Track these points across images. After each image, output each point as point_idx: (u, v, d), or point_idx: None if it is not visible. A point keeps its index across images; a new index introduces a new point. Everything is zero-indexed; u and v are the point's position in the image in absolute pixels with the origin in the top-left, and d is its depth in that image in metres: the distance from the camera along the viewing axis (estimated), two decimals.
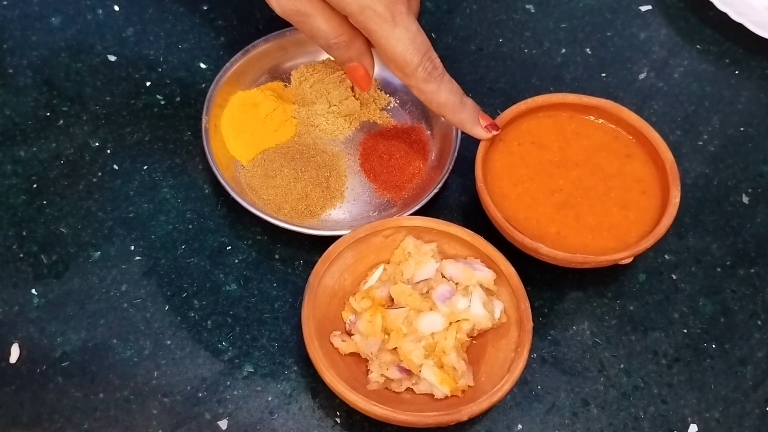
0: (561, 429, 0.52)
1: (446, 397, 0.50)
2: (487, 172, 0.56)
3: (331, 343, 0.51)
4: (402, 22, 0.51)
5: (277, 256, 0.57)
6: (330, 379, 0.48)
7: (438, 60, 0.53)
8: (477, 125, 0.56)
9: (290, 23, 0.54)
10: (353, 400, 0.47)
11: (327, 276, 0.52)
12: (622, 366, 0.55)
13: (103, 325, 0.54)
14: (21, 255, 0.56)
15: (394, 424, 0.48)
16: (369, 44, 0.55)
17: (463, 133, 0.59)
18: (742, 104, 0.67)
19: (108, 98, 0.63)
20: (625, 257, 0.52)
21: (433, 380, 0.49)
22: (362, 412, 0.48)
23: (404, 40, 0.51)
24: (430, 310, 0.51)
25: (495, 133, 0.56)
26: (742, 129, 0.66)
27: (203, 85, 0.64)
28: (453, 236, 0.54)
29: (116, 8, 0.68)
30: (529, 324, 0.50)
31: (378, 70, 0.65)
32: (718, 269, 0.59)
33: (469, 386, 0.50)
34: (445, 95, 0.54)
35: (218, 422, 0.51)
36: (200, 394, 0.52)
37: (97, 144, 0.61)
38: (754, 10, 0.70)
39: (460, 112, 0.55)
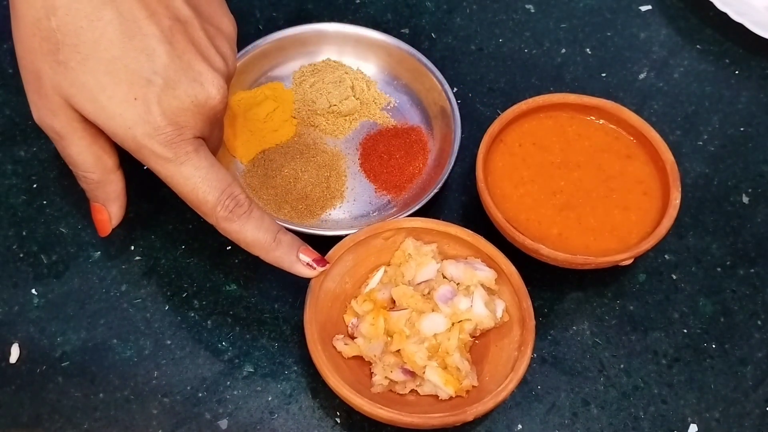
0: (561, 429, 0.52)
1: (451, 398, 0.50)
2: (488, 173, 0.56)
3: (334, 347, 0.51)
4: (189, 161, 0.46)
5: None
6: (334, 383, 0.48)
7: (242, 196, 0.48)
8: (296, 263, 0.50)
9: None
10: (358, 403, 0.47)
11: (328, 280, 0.52)
12: (622, 366, 0.55)
13: (103, 325, 0.54)
14: (21, 255, 0.56)
15: (401, 426, 0.48)
16: (124, 190, 0.51)
17: (463, 133, 0.60)
18: (742, 104, 0.67)
19: None
20: (625, 258, 0.52)
21: (438, 381, 0.49)
22: (368, 415, 0.47)
23: (193, 179, 0.46)
24: (432, 311, 0.51)
25: (321, 269, 0.51)
26: (742, 129, 0.66)
27: None
28: (453, 236, 0.54)
29: None
30: (532, 322, 0.50)
31: (378, 70, 0.65)
32: (718, 269, 0.59)
33: (473, 386, 0.50)
34: (252, 234, 0.48)
35: (218, 422, 0.51)
36: (200, 394, 0.52)
37: None
38: (754, 10, 0.70)
39: (274, 251, 0.50)
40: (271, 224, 0.50)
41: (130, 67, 0.44)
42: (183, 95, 0.45)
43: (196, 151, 0.46)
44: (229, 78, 0.49)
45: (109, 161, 0.50)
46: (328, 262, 0.51)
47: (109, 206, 0.52)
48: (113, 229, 0.53)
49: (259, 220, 0.49)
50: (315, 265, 0.51)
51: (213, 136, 0.50)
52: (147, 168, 0.59)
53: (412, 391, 0.51)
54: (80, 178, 0.50)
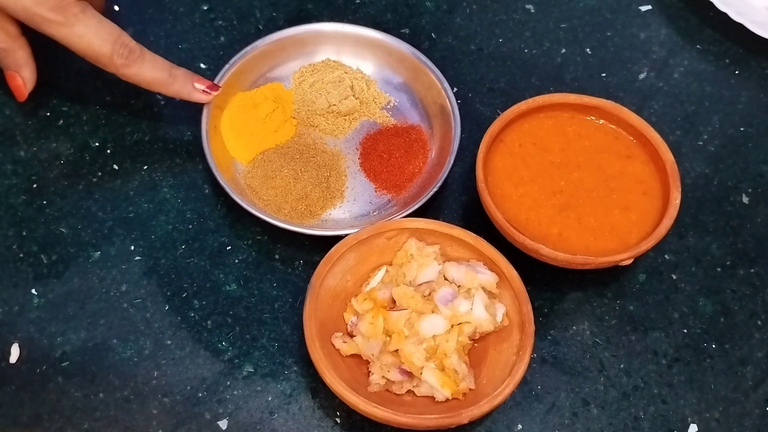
0: (561, 429, 0.52)
1: (447, 400, 0.50)
2: (488, 172, 0.56)
3: (333, 345, 0.51)
4: (78, 21, 0.52)
5: (277, 256, 0.57)
6: (331, 380, 0.48)
7: (133, 42, 0.55)
8: (194, 91, 0.57)
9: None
10: (354, 401, 0.47)
11: (329, 277, 0.52)
12: (622, 366, 0.55)
13: (103, 325, 0.54)
14: (21, 255, 0.56)
15: (395, 426, 0.48)
16: (31, 56, 0.57)
17: (463, 133, 0.60)
18: (742, 104, 0.67)
19: (108, 98, 0.63)
20: (625, 258, 0.53)
21: (434, 383, 0.49)
22: (363, 414, 0.48)
23: (87, 36, 0.53)
24: (432, 312, 0.51)
25: (215, 93, 0.58)
26: (742, 129, 0.66)
27: None
28: (455, 239, 0.54)
29: (116, 8, 0.68)
30: (531, 327, 0.50)
31: (377, 70, 0.65)
32: (718, 269, 0.59)
33: (470, 389, 0.50)
34: (150, 73, 0.55)
35: (218, 422, 0.51)
36: (200, 394, 0.52)
37: (97, 144, 0.61)
38: (754, 10, 0.70)
39: (172, 85, 0.57)
40: (164, 63, 0.56)
41: None
42: None
43: (83, 11, 0.52)
44: None
45: (12, 29, 0.55)
46: (219, 87, 0.58)
47: (22, 71, 0.57)
48: (29, 94, 0.59)
49: (153, 61, 0.56)
50: (209, 90, 0.58)
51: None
52: (148, 167, 0.60)
53: (409, 391, 0.51)
54: None
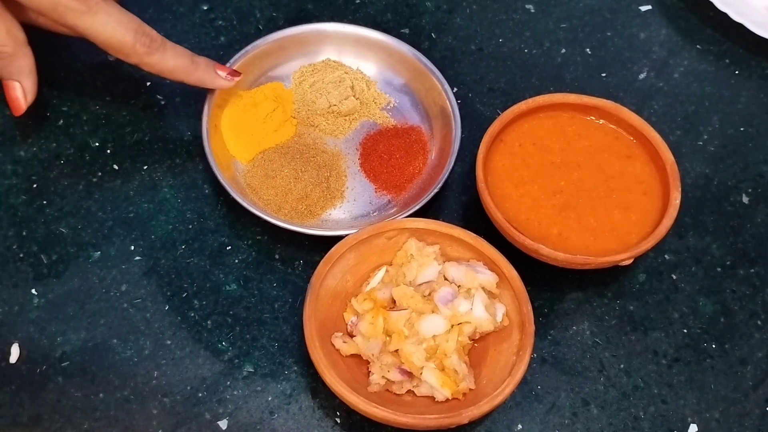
0: (561, 429, 0.52)
1: (447, 400, 0.50)
2: (488, 172, 0.56)
3: (333, 345, 0.51)
4: (100, 9, 0.52)
5: (277, 256, 0.57)
6: (331, 380, 0.48)
7: (153, 31, 0.54)
8: (217, 78, 0.58)
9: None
10: (354, 401, 0.47)
11: (329, 277, 0.52)
12: (622, 366, 0.55)
13: (103, 325, 0.54)
14: (21, 255, 0.56)
15: (395, 426, 0.48)
16: (34, 66, 0.55)
17: (463, 133, 0.60)
18: (742, 104, 0.67)
19: (108, 98, 0.63)
20: (625, 258, 0.53)
21: (434, 383, 0.49)
22: (363, 413, 0.48)
23: (109, 24, 0.52)
24: (432, 312, 0.51)
25: (237, 78, 0.59)
26: (742, 129, 0.66)
27: None
28: (456, 239, 0.54)
29: None
30: (531, 327, 0.50)
31: (378, 71, 0.65)
32: (718, 269, 0.59)
33: (470, 389, 0.50)
34: (173, 61, 0.55)
35: (218, 422, 0.51)
36: (200, 394, 0.52)
37: (97, 144, 0.61)
38: (754, 10, 0.70)
39: (194, 72, 0.57)
40: (185, 51, 0.56)
41: None
42: None
43: (105, 0, 0.52)
44: None
45: (20, 34, 0.54)
46: (240, 73, 0.59)
47: (24, 81, 0.55)
48: (28, 108, 0.57)
49: (174, 49, 0.55)
50: (231, 76, 0.58)
51: None
52: (148, 167, 0.60)
53: (409, 391, 0.51)
54: None
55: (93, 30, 0.52)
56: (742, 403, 0.54)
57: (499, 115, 0.58)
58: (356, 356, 0.52)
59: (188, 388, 0.52)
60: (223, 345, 0.54)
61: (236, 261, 0.57)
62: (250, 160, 0.60)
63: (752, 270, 0.59)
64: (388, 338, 0.51)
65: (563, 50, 0.69)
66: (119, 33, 0.52)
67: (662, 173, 0.56)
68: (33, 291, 0.55)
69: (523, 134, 0.58)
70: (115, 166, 0.60)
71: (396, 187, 0.60)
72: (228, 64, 0.61)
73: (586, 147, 0.58)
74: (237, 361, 0.53)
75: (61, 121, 0.62)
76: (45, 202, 0.58)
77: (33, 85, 0.56)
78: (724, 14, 0.68)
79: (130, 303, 0.55)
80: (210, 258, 0.57)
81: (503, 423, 0.52)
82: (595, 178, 0.56)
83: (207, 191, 0.60)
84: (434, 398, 0.50)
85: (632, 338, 0.56)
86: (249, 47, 0.62)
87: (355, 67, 0.65)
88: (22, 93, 0.56)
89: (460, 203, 0.61)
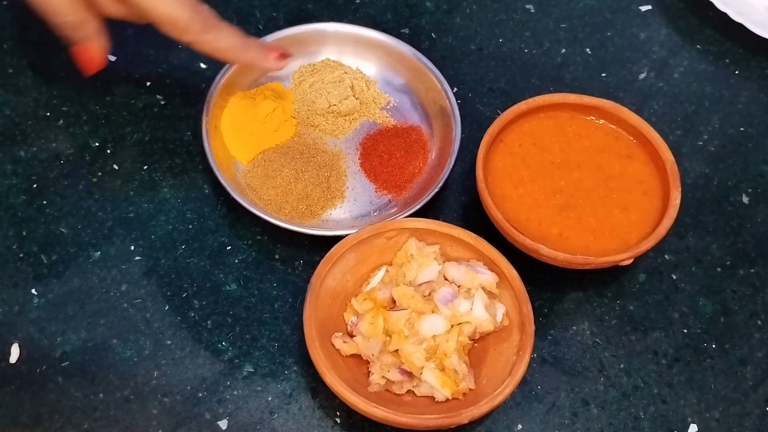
0: (561, 429, 0.52)
1: (447, 400, 0.50)
2: (488, 172, 0.56)
3: (333, 345, 0.51)
4: None
5: (277, 256, 0.57)
6: (331, 380, 0.48)
7: (208, 10, 0.54)
8: (267, 59, 0.57)
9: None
10: (354, 401, 0.47)
11: (329, 277, 0.52)
12: (622, 366, 0.55)
13: (103, 325, 0.54)
14: (21, 255, 0.56)
15: (395, 426, 0.48)
16: (100, 28, 0.55)
17: (463, 133, 0.59)
18: (742, 104, 0.67)
19: (108, 98, 0.63)
20: (625, 258, 0.53)
21: (434, 383, 0.49)
22: (363, 413, 0.48)
23: (167, 1, 0.51)
24: (432, 312, 0.51)
25: (287, 60, 0.58)
26: (742, 129, 0.66)
27: (203, 85, 0.64)
28: (456, 239, 0.54)
29: None
30: (531, 327, 0.50)
31: (378, 71, 0.65)
32: (718, 269, 0.59)
33: (470, 389, 0.50)
34: (226, 40, 0.54)
35: (218, 422, 0.51)
36: (200, 394, 0.52)
37: (97, 144, 0.61)
38: (754, 10, 0.70)
39: (247, 51, 0.56)
40: (237, 30, 0.55)
41: None
42: None
43: None
44: None
45: (80, 1, 0.53)
46: (290, 54, 0.59)
47: (93, 43, 0.55)
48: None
49: (228, 28, 0.55)
50: (281, 58, 0.58)
51: None
52: (148, 167, 0.60)
53: (409, 391, 0.51)
54: (60, 26, 0.53)
55: (149, 4, 0.51)
56: (742, 403, 0.54)
57: (499, 115, 0.58)
58: (356, 356, 0.52)
59: (188, 388, 0.52)
60: (223, 345, 0.54)
61: (236, 261, 0.57)
62: (250, 160, 0.60)
63: (752, 270, 0.59)
64: (388, 338, 0.51)
65: (563, 50, 0.69)
66: (176, 10, 0.52)
67: (662, 173, 0.56)
68: (33, 291, 0.55)
69: (523, 134, 0.58)
70: (115, 166, 0.60)
71: (396, 187, 0.60)
72: (228, 64, 0.61)
73: (586, 147, 0.58)
74: (237, 361, 0.53)
75: (61, 121, 0.62)
76: (45, 202, 0.58)
77: (103, 45, 0.56)
78: (724, 14, 0.68)
79: (130, 303, 0.55)
80: (210, 258, 0.57)
81: (503, 423, 0.52)
82: (595, 178, 0.56)
83: (207, 191, 0.60)
84: (434, 398, 0.50)
85: (632, 338, 0.56)
86: None
87: (355, 67, 0.65)
88: (95, 52, 0.55)
89: (460, 203, 0.61)
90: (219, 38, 0.54)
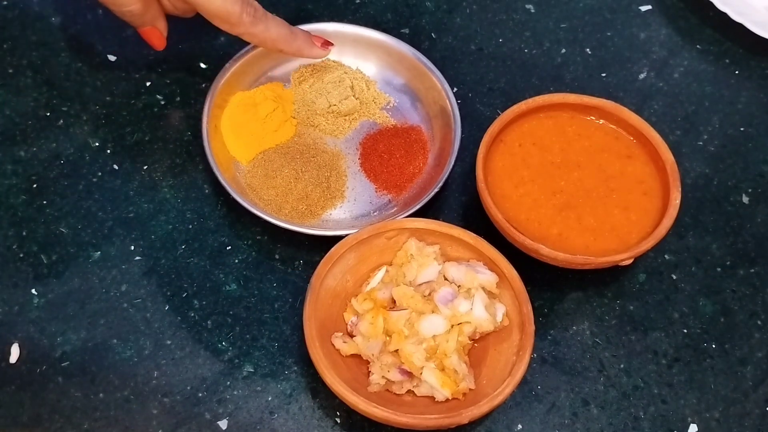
0: (561, 429, 0.52)
1: (447, 400, 0.50)
2: (488, 172, 0.56)
3: (333, 345, 0.51)
4: None
5: (277, 256, 0.57)
6: (331, 380, 0.48)
7: (256, 2, 0.56)
8: (313, 47, 0.60)
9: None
10: (354, 401, 0.47)
11: (329, 277, 0.52)
12: (622, 366, 0.55)
13: (103, 325, 0.54)
14: (21, 255, 0.56)
15: (395, 426, 0.48)
16: (161, 10, 0.59)
17: (463, 133, 0.60)
18: (742, 104, 0.67)
19: (108, 98, 0.63)
20: (625, 258, 0.52)
21: (434, 383, 0.49)
22: (363, 413, 0.48)
23: None
24: (432, 312, 0.51)
25: (331, 48, 0.62)
26: (742, 129, 0.66)
27: (203, 85, 0.64)
28: (455, 239, 0.54)
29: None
30: (531, 327, 0.50)
31: (378, 70, 0.65)
32: (718, 269, 0.59)
33: (470, 389, 0.50)
34: (275, 30, 0.57)
35: (218, 422, 0.51)
36: (200, 394, 0.52)
37: (97, 144, 0.61)
38: (754, 10, 0.70)
39: (294, 41, 0.59)
40: (283, 21, 0.58)
41: None
42: None
43: None
44: None
45: None
46: (332, 44, 0.62)
47: (158, 24, 0.59)
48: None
49: (275, 19, 0.58)
50: (326, 47, 0.61)
51: None
52: (148, 167, 0.60)
53: (409, 391, 0.51)
54: (125, 15, 0.56)
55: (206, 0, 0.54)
56: (742, 403, 0.54)
57: (499, 115, 0.58)
58: (356, 356, 0.52)
59: (188, 388, 0.52)
60: (223, 345, 0.54)
61: (236, 261, 0.57)
62: (250, 160, 0.60)
63: (752, 270, 0.59)
64: (388, 338, 0.51)
65: (563, 50, 0.69)
66: (229, 3, 0.54)
67: (662, 173, 0.56)
68: (33, 291, 0.55)
69: (523, 134, 0.58)
70: (115, 166, 0.60)
71: (396, 187, 0.60)
72: (228, 64, 0.61)
73: (586, 147, 0.58)
74: (237, 361, 0.53)
75: (61, 121, 0.62)
76: (45, 202, 0.58)
77: (165, 22, 0.60)
78: (724, 14, 0.68)
79: (130, 303, 0.55)
80: (210, 258, 0.57)
81: (503, 423, 0.52)
82: (595, 178, 0.56)
83: (207, 191, 0.60)
84: (434, 398, 0.50)
85: (632, 338, 0.56)
86: (249, 47, 0.62)
87: (355, 67, 0.65)
88: (159, 32, 0.59)
89: (460, 203, 0.61)
90: (268, 29, 0.57)
